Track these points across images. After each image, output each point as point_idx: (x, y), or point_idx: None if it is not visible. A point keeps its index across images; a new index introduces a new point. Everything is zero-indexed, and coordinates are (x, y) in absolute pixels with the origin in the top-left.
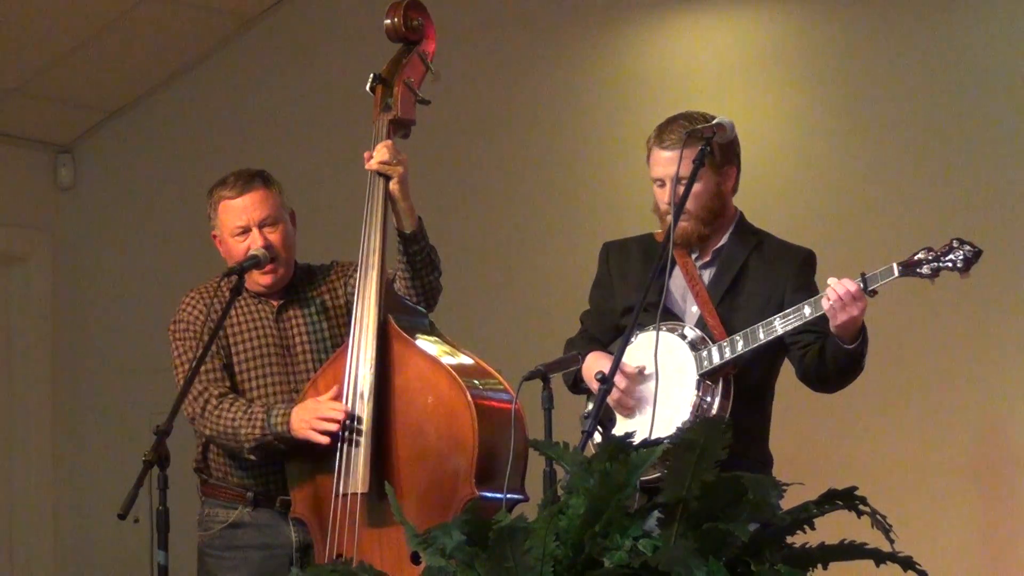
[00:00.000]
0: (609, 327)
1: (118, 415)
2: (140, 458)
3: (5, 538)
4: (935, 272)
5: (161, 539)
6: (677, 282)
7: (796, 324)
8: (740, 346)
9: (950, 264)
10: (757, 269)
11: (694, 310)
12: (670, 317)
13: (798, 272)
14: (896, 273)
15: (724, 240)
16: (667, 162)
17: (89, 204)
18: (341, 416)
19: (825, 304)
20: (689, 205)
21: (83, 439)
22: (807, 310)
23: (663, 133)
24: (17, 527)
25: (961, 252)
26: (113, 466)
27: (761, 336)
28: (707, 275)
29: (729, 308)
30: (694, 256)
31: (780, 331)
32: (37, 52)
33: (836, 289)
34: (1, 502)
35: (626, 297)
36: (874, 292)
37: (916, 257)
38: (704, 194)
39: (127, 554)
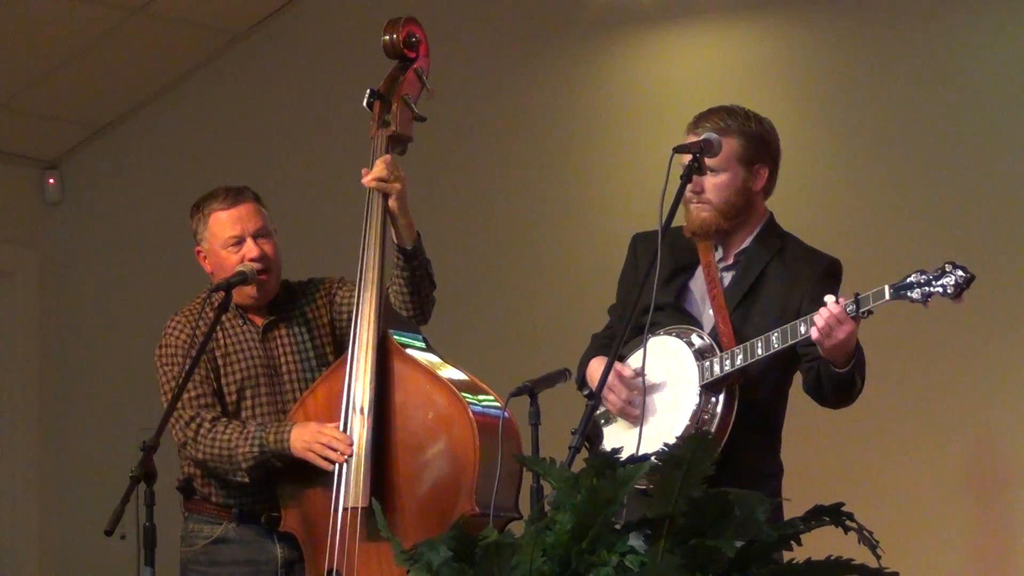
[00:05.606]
0: (633, 322)
1: (105, 431)
2: (127, 474)
3: None
4: (926, 297)
5: (148, 555)
6: (698, 284)
7: (792, 341)
8: (740, 359)
9: (940, 290)
10: (776, 276)
11: (710, 314)
12: (689, 320)
13: (818, 281)
14: (887, 296)
15: (747, 243)
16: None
17: (76, 220)
18: (346, 449)
19: (814, 333)
20: (711, 196)
21: (70, 455)
22: (802, 328)
23: (699, 120)
24: (3, 543)
25: (953, 277)
26: (100, 482)
27: (759, 351)
28: (728, 278)
29: (744, 315)
30: (717, 258)
31: (776, 346)
32: (24, 67)
33: (822, 315)
34: None
35: (649, 293)
36: (868, 313)
37: (908, 280)
38: (728, 188)
39: (113, 570)
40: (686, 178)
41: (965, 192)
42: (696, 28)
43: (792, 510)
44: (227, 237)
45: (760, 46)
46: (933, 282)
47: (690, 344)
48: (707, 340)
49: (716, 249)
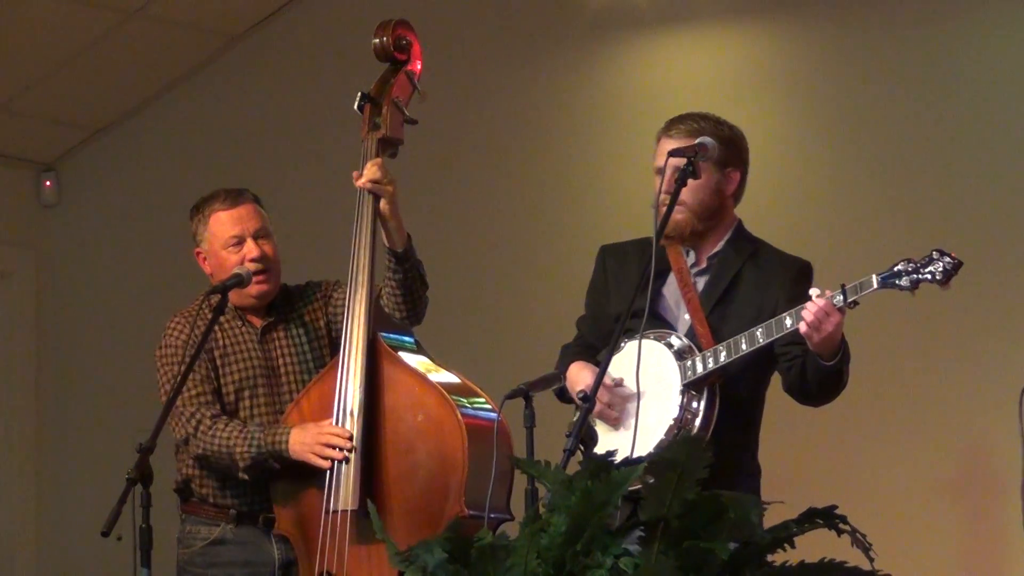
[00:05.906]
0: (605, 333)
1: (102, 432)
2: (123, 476)
3: None
4: (914, 284)
5: (144, 557)
6: (671, 289)
7: (777, 335)
8: (723, 356)
9: (929, 276)
10: (751, 279)
11: (686, 318)
12: (662, 325)
13: (792, 283)
14: (875, 284)
15: (720, 247)
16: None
17: (73, 222)
18: (346, 444)
19: (803, 327)
20: (685, 197)
21: (66, 456)
22: (788, 321)
23: (673, 124)
24: (0, 544)
25: (941, 264)
26: (96, 484)
27: (743, 347)
28: (701, 283)
29: (720, 317)
30: (689, 263)
31: (762, 341)
32: (21, 69)
33: (810, 308)
34: None
35: (621, 302)
36: (855, 304)
37: (895, 268)
38: (702, 189)
39: (110, 572)
40: (681, 182)
41: (957, 194)
42: (692, 32)
43: (783, 513)
44: (228, 237)
45: (756, 51)
46: (921, 269)
47: (669, 346)
48: (685, 341)
49: (687, 254)
